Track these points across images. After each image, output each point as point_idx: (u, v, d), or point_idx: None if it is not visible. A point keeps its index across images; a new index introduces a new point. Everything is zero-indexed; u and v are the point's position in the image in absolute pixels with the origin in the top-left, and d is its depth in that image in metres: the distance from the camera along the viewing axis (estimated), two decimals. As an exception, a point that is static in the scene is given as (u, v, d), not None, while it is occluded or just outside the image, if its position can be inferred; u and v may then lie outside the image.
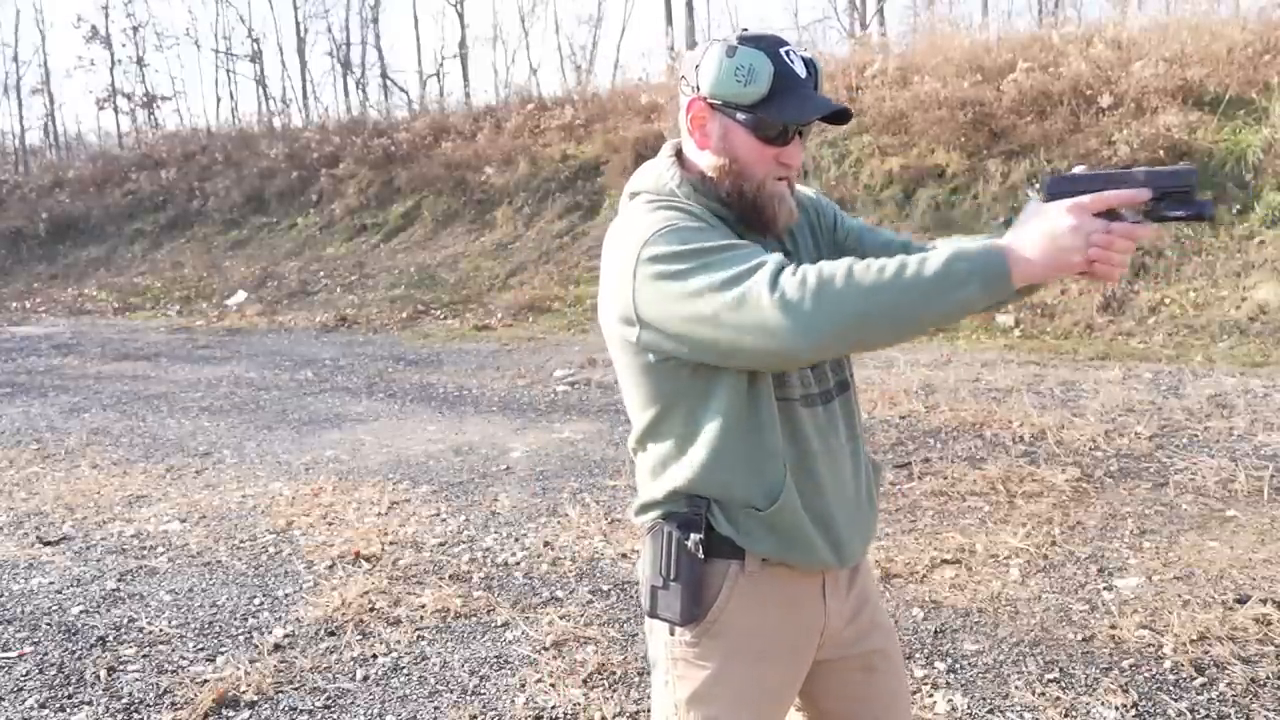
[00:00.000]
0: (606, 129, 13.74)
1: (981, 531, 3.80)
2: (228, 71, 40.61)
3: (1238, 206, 8.27)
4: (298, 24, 28.20)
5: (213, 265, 15.30)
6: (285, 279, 13.89)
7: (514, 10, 52.99)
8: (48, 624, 3.41)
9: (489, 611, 3.34)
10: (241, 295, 13.63)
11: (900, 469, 4.68)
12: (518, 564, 3.78)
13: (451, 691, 2.82)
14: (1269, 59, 9.22)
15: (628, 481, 4.71)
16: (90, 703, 2.83)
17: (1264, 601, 3.03)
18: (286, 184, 16.59)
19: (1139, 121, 9.20)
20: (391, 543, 4.05)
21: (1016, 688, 2.65)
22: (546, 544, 3.96)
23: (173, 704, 2.79)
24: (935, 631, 3.02)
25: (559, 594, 3.47)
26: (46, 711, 2.80)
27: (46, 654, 3.17)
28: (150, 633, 3.29)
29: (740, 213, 1.34)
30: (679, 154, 1.40)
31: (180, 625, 3.34)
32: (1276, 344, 6.87)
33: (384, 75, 27.82)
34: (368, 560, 3.85)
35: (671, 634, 1.37)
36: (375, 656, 3.04)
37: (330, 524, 4.34)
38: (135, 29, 29.16)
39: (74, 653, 3.16)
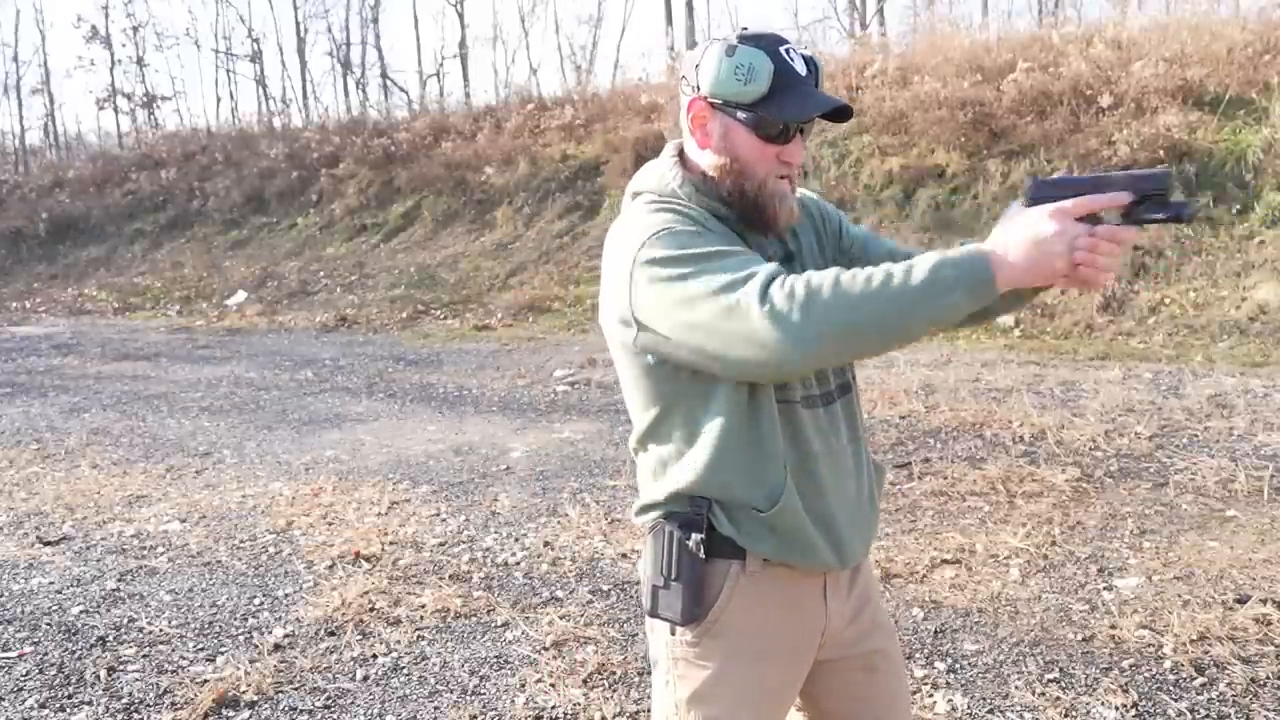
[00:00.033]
0: (606, 129, 13.74)
1: (981, 531, 3.80)
2: (228, 71, 40.64)
3: (1238, 206, 8.26)
4: (298, 24, 28.20)
5: (213, 265, 15.30)
6: (285, 279, 13.89)
7: (514, 10, 53.06)
8: (48, 624, 3.41)
9: (489, 611, 3.34)
10: (241, 295, 13.63)
11: (900, 469, 4.68)
12: (518, 564, 3.78)
13: (451, 691, 2.81)
14: (1269, 59, 9.22)
15: (628, 481, 4.71)
16: (90, 703, 2.83)
17: (1264, 601, 3.03)
18: (286, 184, 16.59)
19: (1139, 121, 9.19)
20: (391, 543, 4.04)
21: (1016, 688, 2.65)
22: (546, 544, 3.96)
23: (173, 704, 2.79)
24: (935, 631, 3.02)
25: (559, 594, 3.47)
26: (46, 711, 2.80)
27: (46, 654, 3.16)
28: (150, 633, 3.29)
29: (742, 212, 1.34)
30: (681, 154, 1.40)
31: (180, 625, 3.34)
32: (1276, 344, 6.87)
33: (384, 75, 27.84)
34: (368, 560, 3.85)
35: (672, 634, 1.37)
36: (375, 656, 3.04)
37: (330, 524, 4.34)
38: (135, 29, 29.19)
39: (74, 653, 3.16)
